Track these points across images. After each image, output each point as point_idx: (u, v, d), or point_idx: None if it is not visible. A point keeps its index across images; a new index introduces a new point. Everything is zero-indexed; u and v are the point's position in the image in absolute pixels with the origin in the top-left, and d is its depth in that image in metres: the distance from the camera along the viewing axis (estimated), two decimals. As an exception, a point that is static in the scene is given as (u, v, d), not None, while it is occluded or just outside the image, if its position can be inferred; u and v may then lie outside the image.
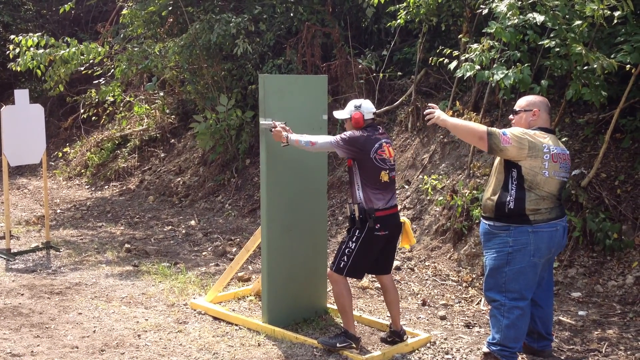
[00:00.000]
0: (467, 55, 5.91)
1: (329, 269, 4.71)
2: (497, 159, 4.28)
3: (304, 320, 5.16)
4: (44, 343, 4.78)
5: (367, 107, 4.65)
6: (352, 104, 4.68)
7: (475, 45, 5.86)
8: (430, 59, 6.80)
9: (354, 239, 4.51)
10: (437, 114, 4.28)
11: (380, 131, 4.63)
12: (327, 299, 5.43)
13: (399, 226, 4.70)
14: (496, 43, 5.87)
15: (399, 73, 8.95)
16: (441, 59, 6.50)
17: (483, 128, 4.10)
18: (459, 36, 7.40)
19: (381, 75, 8.89)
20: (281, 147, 4.78)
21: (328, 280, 5.27)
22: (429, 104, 4.43)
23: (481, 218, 4.39)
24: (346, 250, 4.52)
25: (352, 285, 6.12)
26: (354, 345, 4.55)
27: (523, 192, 4.08)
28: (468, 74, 5.74)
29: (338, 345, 4.53)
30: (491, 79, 5.66)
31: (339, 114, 4.75)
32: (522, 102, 4.35)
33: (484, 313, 5.40)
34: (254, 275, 6.44)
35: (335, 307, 5.41)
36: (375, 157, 4.49)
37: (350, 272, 4.55)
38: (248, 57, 9.60)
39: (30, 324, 5.16)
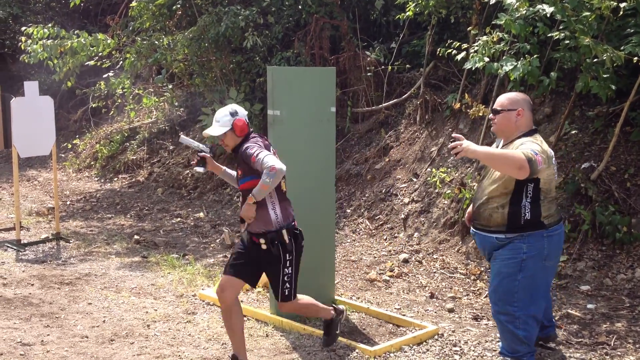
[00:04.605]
0: (475, 47, 5.90)
1: (278, 303, 4.26)
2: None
3: (311, 312, 5.17)
4: (54, 333, 4.82)
5: (242, 111, 4.17)
6: (223, 113, 4.12)
7: (484, 38, 5.84)
8: (439, 49, 6.78)
9: (287, 265, 4.11)
10: (465, 144, 3.74)
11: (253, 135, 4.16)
12: (334, 290, 5.44)
13: None
14: (505, 35, 5.85)
15: (408, 66, 8.92)
16: (450, 50, 6.48)
17: (520, 155, 3.68)
18: (468, 28, 7.38)
19: (390, 67, 8.87)
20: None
21: (331, 274, 5.26)
22: (454, 135, 3.88)
23: (479, 231, 4.07)
24: (285, 278, 4.13)
25: (361, 277, 6.14)
26: None
27: (538, 201, 3.87)
28: (477, 65, 5.73)
29: None
30: (500, 70, 5.64)
31: (214, 131, 4.11)
32: (503, 101, 3.99)
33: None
34: (262, 267, 6.46)
35: (343, 298, 5.43)
36: None
37: (295, 292, 4.24)
38: (256, 49, 9.60)
39: (41, 313, 5.20)
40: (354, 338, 4.71)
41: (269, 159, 3.86)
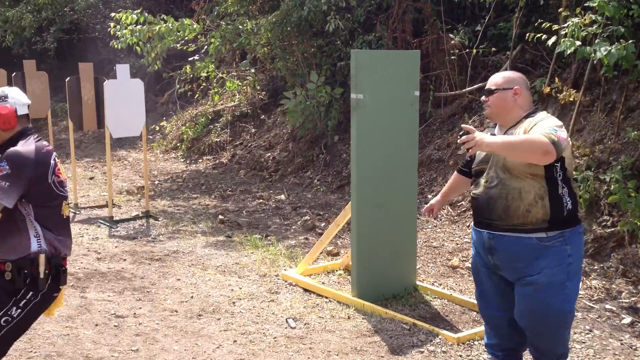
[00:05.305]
0: (565, 30, 5.70)
1: None
2: (495, 156, 3.35)
3: (393, 296, 5.18)
4: (146, 306, 5.06)
5: (18, 97, 3.11)
6: None
7: (575, 19, 5.63)
8: (527, 35, 6.58)
9: (21, 304, 3.02)
10: (479, 137, 3.13)
11: (37, 137, 3.14)
12: (415, 276, 5.44)
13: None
14: (599, 17, 5.62)
15: (494, 49, 8.71)
16: (539, 35, 6.28)
17: (544, 139, 3.11)
18: (559, 10, 7.12)
19: (474, 51, 8.69)
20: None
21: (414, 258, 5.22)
22: (464, 127, 3.20)
23: (509, 233, 3.31)
24: (2, 320, 2.99)
25: (443, 264, 6.10)
26: None
27: (571, 186, 3.33)
28: (568, 50, 5.54)
29: None
30: (593, 55, 5.43)
31: None
32: (498, 80, 3.49)
33: (580, 297, 5.25)
34: (342, 250, 6.52)
35: (424, 284, 5.42)
36: (55, 181, 3.08)
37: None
38: (338, 33, 9.61)
39: (133, 287, 5.46)
40: (437, 324, 4.70)
41: None
